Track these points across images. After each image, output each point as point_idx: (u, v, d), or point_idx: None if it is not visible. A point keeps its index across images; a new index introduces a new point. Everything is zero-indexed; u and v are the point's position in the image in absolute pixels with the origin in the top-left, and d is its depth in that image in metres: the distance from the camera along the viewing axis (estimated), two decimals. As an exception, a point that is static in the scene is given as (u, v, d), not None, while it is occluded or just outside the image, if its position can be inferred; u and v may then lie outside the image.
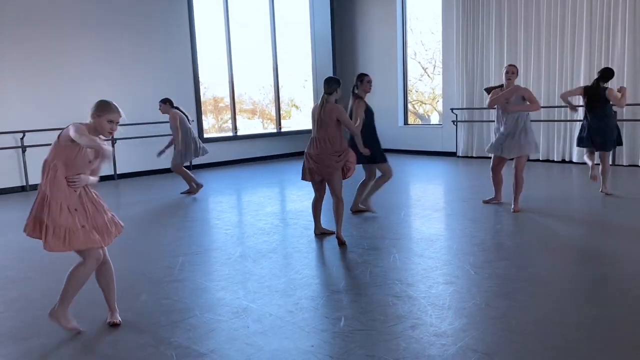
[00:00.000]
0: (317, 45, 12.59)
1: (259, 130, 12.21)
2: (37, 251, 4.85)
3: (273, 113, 12.29)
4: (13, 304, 3.53)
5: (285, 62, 11.94)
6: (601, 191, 6.33)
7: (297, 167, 9.83)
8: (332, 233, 4.92)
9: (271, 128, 12.37)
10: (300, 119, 13.11)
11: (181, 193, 7.54)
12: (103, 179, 9.15)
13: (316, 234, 4.99)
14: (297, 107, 13.43)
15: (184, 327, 3.10)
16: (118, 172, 9.35)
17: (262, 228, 5.44)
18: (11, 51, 8.18)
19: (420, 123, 12.63)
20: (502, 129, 5.66)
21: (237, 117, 11.42)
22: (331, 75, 12.50)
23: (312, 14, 12.51)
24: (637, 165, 8.61)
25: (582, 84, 9.02)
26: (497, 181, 6.02)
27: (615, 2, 8.53)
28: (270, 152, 11.53)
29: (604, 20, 8.68)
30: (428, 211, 5.85)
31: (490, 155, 5.98)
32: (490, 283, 3.62)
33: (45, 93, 8.52)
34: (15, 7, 8.19)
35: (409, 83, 11.98)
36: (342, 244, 4.61)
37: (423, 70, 13.33)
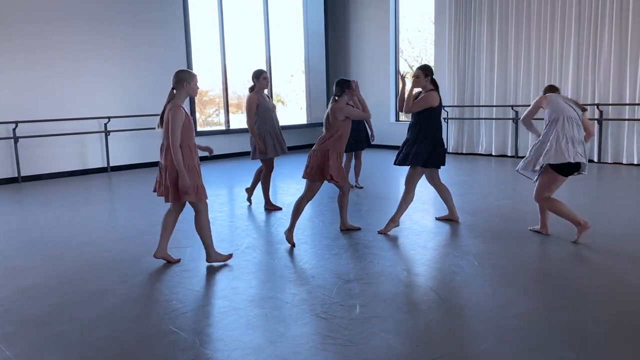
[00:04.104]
0: (310, 42, 12.66)
1: (244, 124, 12.19)
2: (41, 240, 4.88)
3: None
4: (29, 292, 3.56)
5: (275, 58, 11.97)
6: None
7: (291, 161, 9.93)
8: (357, 229, 4.99)
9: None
10: (286, 113, 13.13)
11: None
12: (96, 171, 9.15)
13: (342, 230, 5.00)
14: (282, 103, 13.47)
15: (203, 315, 3.17)
16: (111, 165, 9.31)
17: (265, 220, 5.51)
18: (4, 44, 8.08)
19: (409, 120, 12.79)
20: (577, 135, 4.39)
21: (223, 111, 11.41)
22: (324, 71, 12.64)
23: (305, 11, 12.58)
24: (621, 163, 8.89)
25: (570, 82, 9.29)
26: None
27: (603, 2, 8.78)
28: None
29: (592, 20, 8.93)
30: (426, 205, 5.98)
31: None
32: (493, 272, 3.76)
33: (38, 85, 8.44)
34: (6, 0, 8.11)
35: (395, 80, 12.13)
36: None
37: (410, 67, 13.50)
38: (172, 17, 9.91)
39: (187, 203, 4.01)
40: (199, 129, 10.86)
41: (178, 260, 4.15)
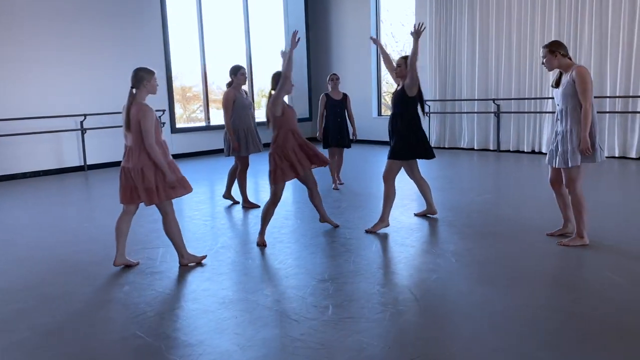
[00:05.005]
0: (290, 37, 12.50)
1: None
2: (10, 242, 4.73)
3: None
4: (-10, 298, 3.43)
5: (255, 53, 11.82)
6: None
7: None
8: (336, 226, 4.89)
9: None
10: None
11: None
12: (72, 170, 8.96)
13: (321, 222, 4.94)
14: (267, 98, 13.32)
15: (171, 318, 3.07)
16: (88, 163, 9.12)
17: (241, 219, 5.41)
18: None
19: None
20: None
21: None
22: (306, 67, 12.51)
23: (285, 6, 12.42)
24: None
25: (550, 75, 9.27)
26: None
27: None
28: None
29: (572, 13, 8.91)
30: (406, 201, 5.92)
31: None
32: (471, 270, 3.71)
33: (11, 82, 8.21)
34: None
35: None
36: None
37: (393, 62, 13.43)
38: (149, 12, 9.71)
39: (140, 205, 3.92)
40: (179, 125, 10.68)
41: (137, 263, 4.02)
